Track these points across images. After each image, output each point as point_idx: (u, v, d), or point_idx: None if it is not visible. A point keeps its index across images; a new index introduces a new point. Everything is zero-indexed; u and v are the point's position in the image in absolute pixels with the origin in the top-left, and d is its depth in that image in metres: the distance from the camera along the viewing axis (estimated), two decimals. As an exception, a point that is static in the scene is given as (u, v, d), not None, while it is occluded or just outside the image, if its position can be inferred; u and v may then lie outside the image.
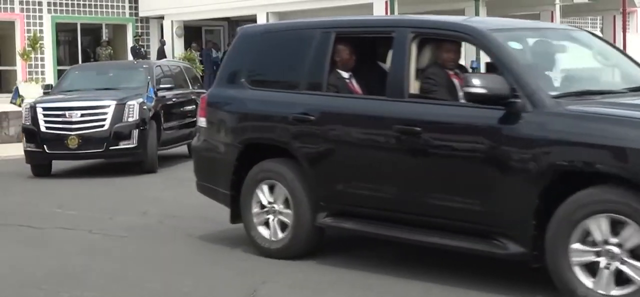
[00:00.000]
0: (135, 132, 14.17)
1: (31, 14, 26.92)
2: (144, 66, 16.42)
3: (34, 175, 14.34)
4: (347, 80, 7.70)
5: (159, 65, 16.61)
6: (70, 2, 27.81)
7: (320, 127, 7.33)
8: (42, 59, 26.67)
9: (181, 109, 16.22)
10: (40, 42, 25.69)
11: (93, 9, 28.31)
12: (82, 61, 29.18)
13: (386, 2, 23.02)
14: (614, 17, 29.41)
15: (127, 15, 29.20)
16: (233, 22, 30.81)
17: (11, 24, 26.74)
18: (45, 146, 14.17)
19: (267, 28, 8.30)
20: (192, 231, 9.04)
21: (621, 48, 28.62)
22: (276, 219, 7.61)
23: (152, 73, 15.54)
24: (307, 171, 7.38)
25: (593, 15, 40.16)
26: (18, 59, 25.98)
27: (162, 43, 28.45)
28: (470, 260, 7.25)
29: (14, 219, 10.17)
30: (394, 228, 6.93)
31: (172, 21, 28.66)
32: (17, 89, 18.15)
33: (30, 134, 14.36)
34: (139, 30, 29.34)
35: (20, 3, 26.67)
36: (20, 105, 16.88)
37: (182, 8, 28.08)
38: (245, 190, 7.78)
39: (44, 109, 14.40)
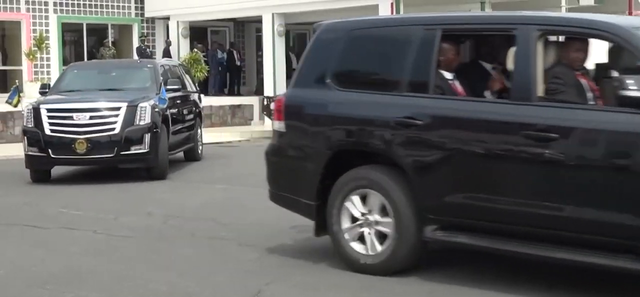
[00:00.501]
0: (147, 137, 13.45)
1: (37, 14, 26.95)
2: (149, 65, 15.66)
3: (33, 181, 13.68)
4: (451, 82, 7.15)
5: (162, 65, 16.00)
6: (76, 2, 27.85)
7: (430, 132, 6.72)
8: (48, 59, 26.69)
9: (185, 111, 15.84)
10: (46, 42, 25.73)
11: (99, 9, 28.34)
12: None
13: (391, 3, 22.99)
14: (620, 19, 29.28)
15: (133, 16, 29.22)
16: (238, 23, 30.84)
17: (17, 24, 26.78)
18: (49, 150, 13.37)
19: (356, 24, 7.66)
20: (197, 232, 9.05)
21: None
22: (373, 231, 6.97)
23: (157, 73, 14.95)
24: (413, 180, 6.77)
25: (599, 18, 40.10)
26: (24, 59, 26.03)
27: (168, 43, 28.48)
28: (473, 261, 7.25)
29: (18, 219, 10.21)
30: (515, 243, 6.34)
31: (177, 22, 28.67)
32: (16, 88, 16.73)
33: (33, 137, 13.51)
34: (145, 31, 29.37)
35: (26, 3, 26.70)
36: (16, 106, 16.09)
37: (187, 9, 28.09)
38: (333, 200, 7.15)
39: (49, 110, 13.52)
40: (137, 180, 13.42)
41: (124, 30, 29.64)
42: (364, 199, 7.01)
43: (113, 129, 13.36)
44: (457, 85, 7.17)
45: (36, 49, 25.27)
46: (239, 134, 23.84)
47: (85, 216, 10.41)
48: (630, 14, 28.57)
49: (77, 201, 11.62)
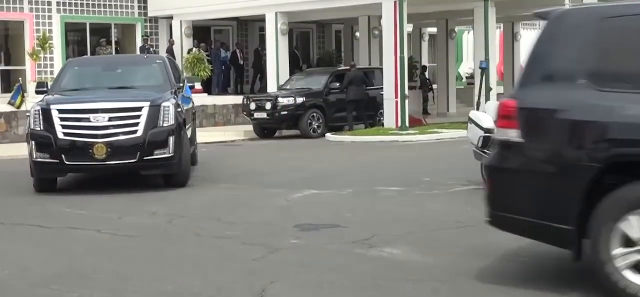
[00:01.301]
0: (172, 140, 12.23)
1: (41, 14, 27.02)
2: (158, 61, 14.51)
3: (38, 191, 12.50)
4: None
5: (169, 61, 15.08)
6: (79, 2, 27.90)
7: None
8: (52, 59, 26.75)
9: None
10: (49, 42, 25.78)
11: (102, 9, 28.40)
12: (92, 61, 29.22)
13: (395, 2, 22.99)
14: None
15: (136, 16, 29.27)
16: (242, 22, 30.88)
17: (20, 24, 26.84)
18: (63, 156, 12.06)
19: (610, 11, 6.30)
20: (201, 231, 9.07)
21: None
22: None
23: (168, 69, 13.94)
24: None
25: (603, 16, 40.05)
26: (27, 59, 26.07)
27: (171, 43, 28.53)
28: (477, 260, 7.26)
29: (23, 219, 10.23)
30: None
31: (181, 21, 28.71)
32: (19, 87, 15.63)
33: (43, 141, 12.14)
34: (148, 30, 29.41)
35: (30, 3, 26.76)
36: (19, 107, 15.05)
37: (191, 8, 28.14)
38: (601, 221, 5.94)
39: (62, 111, 12.21)
40: (141, 179, 13.42)
41: (127, 30, 29.70)
42: None
43: (135, 131, 12.14)
44: None
45: (40, 49, 25.33)
46: (242, 133, 23.88)
47: (89, 215, 10.43)
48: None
49: (81, 200, 11.64)
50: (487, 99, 21.85)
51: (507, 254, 7.55)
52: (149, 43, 28.47)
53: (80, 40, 29.34)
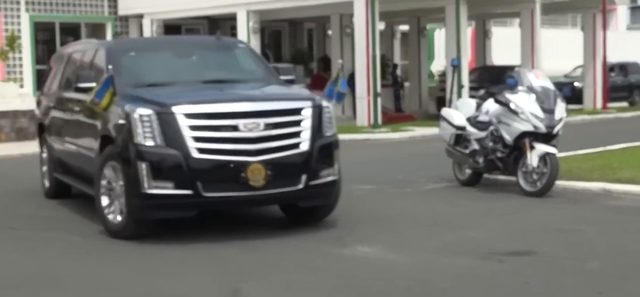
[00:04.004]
0: (336, 155, 8.93)
1: (9, 12, 26.78)
2: (240, 45, 11.02)
3: (121, 234, 8.68)
4: None
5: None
6: (48, 0, 27.70)
7: None
8: (20, 59, 26.53)
9: None
10: (18, 41, 25.57)
11: (72, 8, 28.20)
12: (61, 60, 29.00)
13: (366, 0, 23.06)
14: (594, 15, 29.56)
15: (106, 14, 29.10)
16: (213, 21, 30.79)
17: (-12, 23, 26.61)
18: (199, 185, 8.16)
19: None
20: (174, 231, 9.03)
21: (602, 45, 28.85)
22: None
23: (260, 56, 10.99)
24: None
25: (573, 13, 40.45)
26: (-5, 58, 25.85)
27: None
28: (450, 257, 7.30)
29: (-7, 221, 10.14)
30: None
31: (151, 20, 28.59)
32: (108, 80, 9.02)
33: (164, 163, 8.23)
34: (118, 29, 29.26)
35: (-2, 2, 26.55)
36: (105, 108, 8.94)
37: (161, 7, 28.04)
38: None
39: (192, 115, 8.27)
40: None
41: (97, 29, 29.51)
42: None
43: (298, 144, 8.53)
44: None
45: (8, 48, 25.10)
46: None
47: (60, 216, 10.35)
48: (604, 9, 28.76)
49: (52, 201, 11.55)
50: (459, 96, 21.97)
51: (480, 251, 7.60)
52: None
53: (50, 39, 29.12)
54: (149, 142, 8.27)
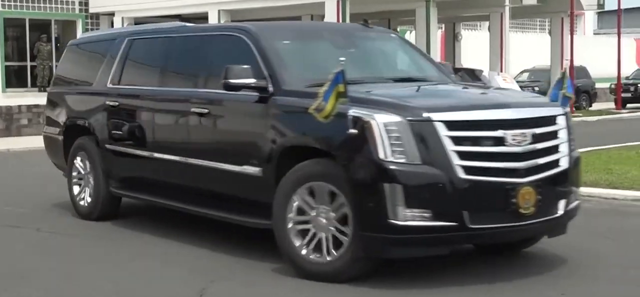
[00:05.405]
0: (576, 175, 7.39)
1: (-22, 8, 26.59)
2: (393, 35, 9.38)
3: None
4: None
5: None
6: (18, -3, 27.49)
7: None
8: (-10, 55, 26.35)
9: None
10: (-13, 37, 25.39)
11: (42, 5, 28.03)
12: (31, 58, 28.89)
13: (338, 1, 23.11)
14: (562, 19, 29.83)
15: (77, 11, 28.94)
16: (185, 20, 30.71)
17: (-43, 19, 26.38)
18: (465, 214, 6.36)
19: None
20: (143, 230, 9.01)
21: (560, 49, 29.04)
22: None
23: (417, 48, 9.40)
24: None
25: (542, 17, 40.78)
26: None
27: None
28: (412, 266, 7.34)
29: (-40, 218, 10.05)
30: None
31: (122, 17, 28.48)
32: (338, 77, 6.62)
33: (423, 188, 6.37)
34: (89, 27, 29.08)
35: (-33, -3, 26.32)
36: (327, 117, 6.55)
37: (132, 5, 27.95)
38: None
39: (454, 125, 6.46)
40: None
41: (67, 25, 29.35)
42: None
43: (558, 160, 6.98)
44: None
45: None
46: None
47: (30, 213, 10.28)
48: (571, 13, 29.02)
49: (22, 198, 11.46)
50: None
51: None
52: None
53: (20, 36, 28.93)
54: (400, 159, 6.34)
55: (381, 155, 6.31)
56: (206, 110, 7.97)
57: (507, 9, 27.68)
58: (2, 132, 21.22)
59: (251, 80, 7.34)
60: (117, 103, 9.28)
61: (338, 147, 6.58)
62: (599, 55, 39.96)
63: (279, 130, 7.18)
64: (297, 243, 6.84)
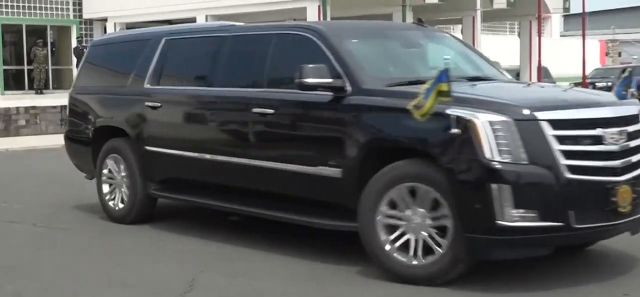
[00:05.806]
0: None
1: (-23, 15, 26.40)
2: (447, 35, 9.06)
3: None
4: None
5: None
6: (15, 3, 27.30)
7: None
8: (-12, 60, 26.18)
9: None
10: (-14, 42, 25.22)
11: (38, 11, 27.87)
12: (28, 62, 28.75)
13: (319, 6, 23.08)
14: (530, 22, 29.93)
15: (71, 17, 28.80)
16: (174, 25, 30.68)
17: (-43, 25, 26.18)
18: (571, 214, 6.03)
19: None
20: (136, 223, 8.94)
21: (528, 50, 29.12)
22: None
23: (472, 48, 9.12)
24: None
25: (511, 20, 40.93)
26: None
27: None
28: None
29: (-41, 214, 9.95)
30: None
31: (114, 23, 28.36)
32: (444, 73, 6.21)
33: (530, 185, 6.00)
34: (83, 32, 28.95)
35: (-34, 5, 26.12)
36: (424, 115, 6.14)
37: (124, 10, 27.86)
38: None
39: (558, 123, 6.15)
40: (79, 173, 13.12)
41: (62, 31, 29.23)
42: None
43: None
44: None
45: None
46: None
47: (26, 209, 10.19)
48: (539, 16, 29.12)
49: (18, 194, 11.36)
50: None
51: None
52: (83, 44, 28.03)
53: (17, 41, 28.77)
54: (507, 158, 5.95)
55: (487, 155, 5.91)
56: (271, 111, 7.35)
57: (478, 12, 27.75)
58: (1, 133, 21.09)
59: (327, 80, 6.86)
60: (158, 104, 8.56)
61: (437, 147, 6.15)
62: (565, 56, 40.13)
63: (363, 130, 6.64)
64: (383, 237, 6.41)
